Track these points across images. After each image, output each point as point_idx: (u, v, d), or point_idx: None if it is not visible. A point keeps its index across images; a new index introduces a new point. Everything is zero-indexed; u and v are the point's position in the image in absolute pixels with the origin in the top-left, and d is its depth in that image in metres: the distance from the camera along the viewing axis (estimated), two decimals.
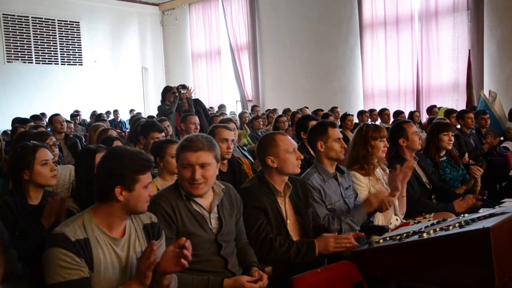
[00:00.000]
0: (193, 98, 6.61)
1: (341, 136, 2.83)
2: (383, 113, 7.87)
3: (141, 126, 4.02)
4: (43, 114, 8.77)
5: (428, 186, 3.44)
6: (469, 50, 8.42)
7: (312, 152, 3.69)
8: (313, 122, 3.95)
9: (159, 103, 6.81)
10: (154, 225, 1.88)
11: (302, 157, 2.50)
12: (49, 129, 6.59)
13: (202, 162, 2.03)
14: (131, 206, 1.73)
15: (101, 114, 10.25)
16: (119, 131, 8.00)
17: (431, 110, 8.00)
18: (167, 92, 6.48)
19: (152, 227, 1.87)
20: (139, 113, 10.05)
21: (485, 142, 5.22)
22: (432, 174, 3.56)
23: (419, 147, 3.41)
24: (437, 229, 1.94)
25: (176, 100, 6.36)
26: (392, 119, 7.56)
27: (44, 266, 1.63)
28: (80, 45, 12.37)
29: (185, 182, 2.06)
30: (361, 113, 7.90)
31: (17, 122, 6.09)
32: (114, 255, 1.72)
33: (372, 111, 8.32)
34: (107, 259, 1.69)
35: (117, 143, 3.53)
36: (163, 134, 3.84)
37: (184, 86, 6.39)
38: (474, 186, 3.63)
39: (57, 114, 5.65)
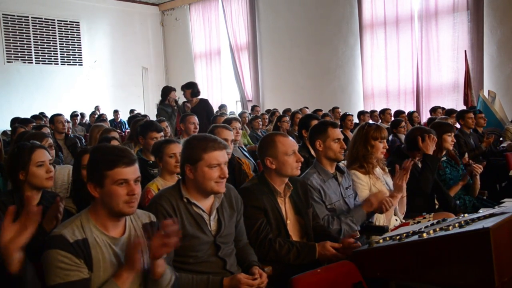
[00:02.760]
0: (201, 98, 6.50)
1: (341, 136, 2.82)
2: (385, 112, 7.82)
3: (139, 126, 4.03)
4: (42, 114, 8.76)
5: None
6: (465, 51, 8.41)
7: (312, 151, 3.69)
8: (315, 122, 3.96)
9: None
10: (154, 224, 1.88)
11: (302, 159, 2.48)
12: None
13: (226, 160, 2.10)
14: (107, 204, 1.69)
15: (101, 114, 10.25)
16: (119, 131, 7.98)
17: (435, 110, 7.85)
18: (166, 92, 6.42)
19: (151, 227, 1.87)
20: (138, 114, 10.04)
21: (483, 141, 5.25)
22: None
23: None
24: (437, 229, 1.93)
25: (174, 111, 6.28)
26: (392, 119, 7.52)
27: (43, 268, 1.62)
28: (80, 45, 12.37)
29: (211, 182, 2.05)
30: (361, 114, 7.89)
31: (18, 122, 6.07)
32: (113, 254, 1.72)
33: (373, 112, 8.31)
34: (106, 259, 1.69)
35: (115, 143, 3.52)
36: (161, 134, 3.84)
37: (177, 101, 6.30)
38: (473, 185, 3.65)
39: (59, 114, 5.63)
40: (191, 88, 6.28)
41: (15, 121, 6.59)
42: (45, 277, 1.61)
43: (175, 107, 6.16)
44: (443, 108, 7.92)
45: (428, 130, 3.44)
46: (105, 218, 1.72)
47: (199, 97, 6.38)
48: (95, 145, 1.95)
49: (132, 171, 1.71)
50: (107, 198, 1.68)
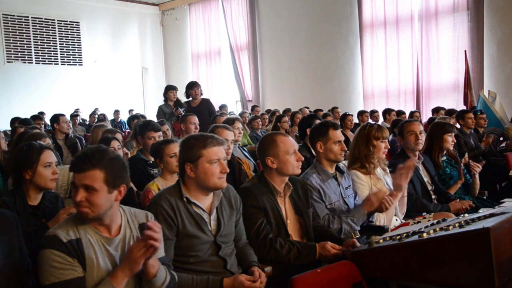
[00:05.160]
0: (203, 98, 6.52)
1: (342, 138, 2.81)
2: (391, 113, 7.78)
3: (138, 126, 4.05)
4: (41, 113, 8.73)
5: (431, 187, 3.44)
6: (465, 51, 8.41)
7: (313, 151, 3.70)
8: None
9: (159, 103, 6.74)
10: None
11: (303, 158, 2.50)
12: (48, 127, 6.58)
13: (225, 156, 2.14)
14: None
15: (100, 114, 10.26)
16: (119, 131, 7.97)
17: (437, 111, 7.75)
18: (165, 91, 6.42)
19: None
20: (137, 114, 10.02)
21: (483, 141, 5.27)
22: (434, 175, 3.57)
23: (416, 147, 3.37)
24: (437, 229, 1.94)
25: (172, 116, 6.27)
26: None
27: (38, 268, 1.63)
28: (80, 45, 12.37)
29: (214, 178, 2.07)
30: (361, 113, 7.89)
31: (18, 122, 6.05)
32: (107, 254, 1.72)
33: (373, 112, 8.30)
34: (99, 259, 1.69)
35: (114, 143, 3.52)
36: (159, 133, 3.84)
37: (181, 105, 6.30)
38: (472, 184, 3.65)
39: (63, 114, 5.61)
40: (199, 87, 6.35)
41: (15, 121, 6.57)
42: (40, 277, 1.62)
43: (174, 109, 6.16)
44: (442, 108, 7.89)
45: (408, 121, 3.57)
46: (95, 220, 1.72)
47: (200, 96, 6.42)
48: None
49: (80, 178, 1.67)
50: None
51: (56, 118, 5.46)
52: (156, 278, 1.72)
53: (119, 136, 4.17)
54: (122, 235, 1.78)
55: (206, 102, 6.40)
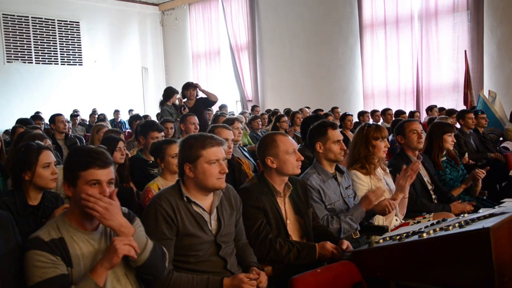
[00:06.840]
0: (197, 98, 6.57)
1: (341, 137, 2.81)
2: (386, 112, 7.85)
3: (140, 126, 4.02)
4: (37, 113, 8.71)
5: (431, 186, 3.44)
6: (465, 51, 8.42)
7: None
8: None
9: (158, 104, 6.75)
10: (125, 215, 1.85)
11: (302, 158, 2.49)
12: (47, 126, 6.57)
13: (224, 156, 2.13)
14: (77, 202, 1.72)
15: (100, 114, 10.25)
16: (122, 131, 7.96)
17: (431, 109, 7.92)
18: (169, 93, 6.43)
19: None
20: (138, 114, 10.03)
21: (494, 153, 5.23)
22: (434, 175, 3.56)
23: (418, 145, 3.39)
24: (437, 229, 1.94)
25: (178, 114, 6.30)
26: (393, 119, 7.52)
27: (24, 270, 1.66)
28: (80, 45, 12.37)
29: (213, 178, 2.07)
30: (362, 114, 7.90)
31: (20, 123, 6.05)
32: (92, 249, 1.75)
33: (374, 112, 8.31)
34: (85, 254, 1.72)
35: (121, 144, 3.48)
36: (162, 133, 3.84)
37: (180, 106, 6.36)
38: (474, 187, 3.64)
39: (60, 114, 5.63)
40: (195, 89, 6.38)
41: (19, 122, 6.56)
42: (26, 279, 1.65)
43: (181, 108, 6.21)
44: (442, 109, 7.93)
45: (408, 120, 3.60)
46: (79, 216, 1.75)
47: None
48: (74, 147, 1.96)
49: (105, 174, 1.73)
50: (77, 197, 1.71)
51: (52, 118, 5.49)
52: (140, 253, 1.75)
53: (122, 136, 4.15)
54: (102, 227, 1.80)
55: (201, 100, 6.45)
